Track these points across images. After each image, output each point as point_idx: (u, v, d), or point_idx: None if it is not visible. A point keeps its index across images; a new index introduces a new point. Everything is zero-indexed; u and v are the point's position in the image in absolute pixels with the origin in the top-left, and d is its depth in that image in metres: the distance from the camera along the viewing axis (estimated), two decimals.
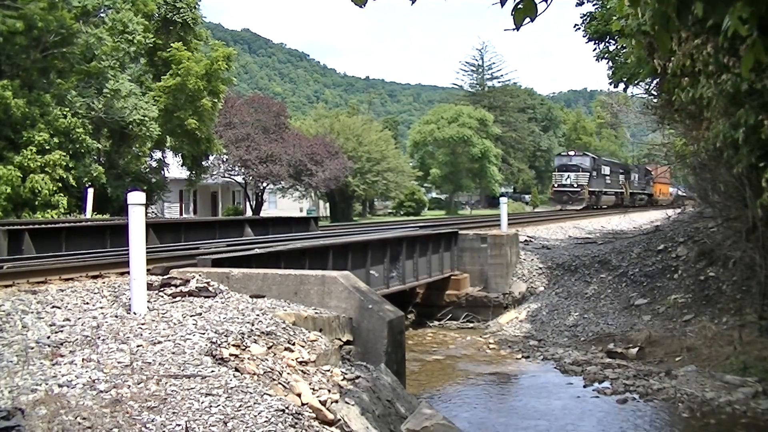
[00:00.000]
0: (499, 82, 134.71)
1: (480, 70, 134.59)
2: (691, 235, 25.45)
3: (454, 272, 25.04)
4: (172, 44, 42.76)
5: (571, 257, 27.33)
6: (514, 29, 5.64)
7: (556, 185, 71.74)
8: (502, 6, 5.45)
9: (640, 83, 28.41)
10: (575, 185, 69.21)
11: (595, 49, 32.34)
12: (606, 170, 76.50)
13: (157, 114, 39.14)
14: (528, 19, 5.47)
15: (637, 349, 18.86)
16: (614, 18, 20.57)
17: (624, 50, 26.62)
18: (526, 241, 30.28)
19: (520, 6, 5.41)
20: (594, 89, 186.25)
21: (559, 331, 21.64)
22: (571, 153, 77.61)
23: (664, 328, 19.94)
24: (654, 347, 19.01)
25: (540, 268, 26.67)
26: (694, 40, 12.13)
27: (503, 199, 29.93)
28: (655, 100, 27.80)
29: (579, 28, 33.28)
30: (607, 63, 31.82)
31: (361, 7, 6.14)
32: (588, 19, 32.10)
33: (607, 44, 31.60)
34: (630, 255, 25.96)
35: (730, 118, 13.12)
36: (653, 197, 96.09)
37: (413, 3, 5.91)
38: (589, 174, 69.77)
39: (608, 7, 27.53)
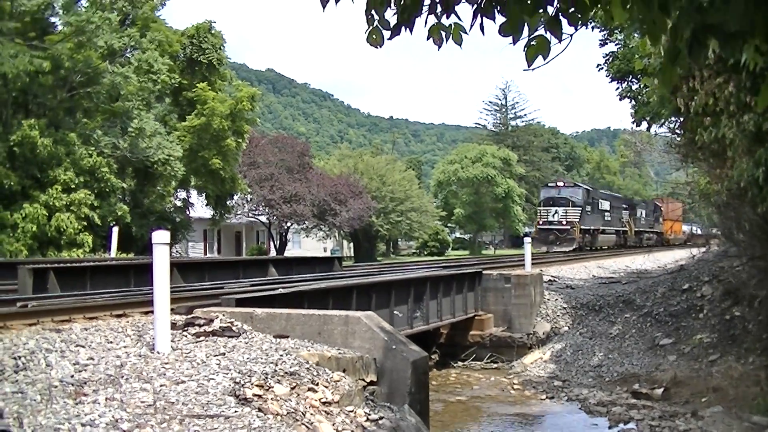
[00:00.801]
0: (522, 121, 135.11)
1: (503, 109, 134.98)
2: (716, 274, 25.27)
3: (478, 312, 24.92)
4: (197, 84, 43.12)
5: (595, 297, 27.20)
6: (529, 69, 5.65)
7: (540, 222, 62.63)
8: (514, 44, 5.45)
9: (664, 122, 28.39)
10: (564, 222, 60.35)
11: (618, 88, 32.38)
12: (604, 205, 68.08)
13: (182, 153, 39.42)
14: (540, 57, 5.46)
15: (662, 389, 18.68)
16: (636, 57, 20.61)
17: (647, 89, 26.63)
18: (550, 280, 30.15)
19: (532, 43, 5.40)
20: (617, 128, 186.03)
21: (584, 371, 21.48)
22: (560, 183, 67.35)
23: (689, 368, 19.75)
24: (680, 387, 18.82)
25: (564, 307, 26.54)
26: (715, 78, 12.13)
27: (527, 239, 29.85)
28: (678, 139, 27.75)
29: (602, 68, 33.36)
30: (630, 102, 31.85)
31: (377, 48, 6.16)
32: (611, 58, 32.16)
33: (629, 83, 31.63)
34: (654, 294, 25.81)
35: (752, 157, 13.07)
36: (663, 236, 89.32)
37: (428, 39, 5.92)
38: (581, 209, 61.14)
39: (630, 46, 27.58)
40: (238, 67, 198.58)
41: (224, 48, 47.08)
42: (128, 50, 39.04)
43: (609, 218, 68.22)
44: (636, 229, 76.60)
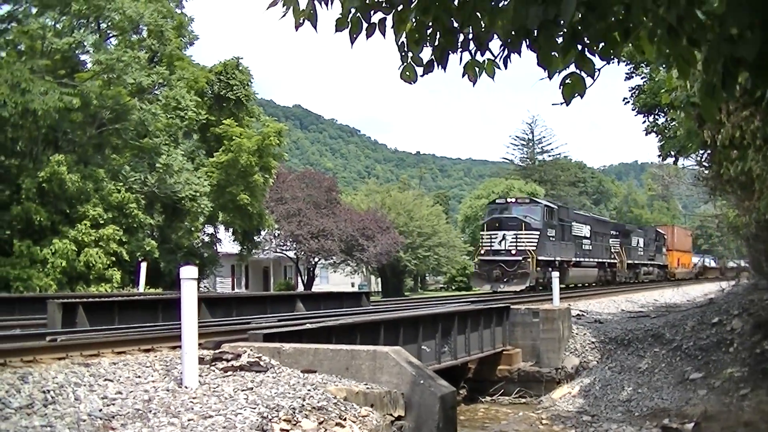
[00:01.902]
0: (549, 155, 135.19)
1: (530, 143, 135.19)
2: (745, 307, 25.08)
3: (506, 347, 24.82)
4: (224, 120, 43.39)
5: (623, 331, 27.03)
6: (562, 104, 5.66)
7: (482, 251, 45.71)
8: (550, 79, 5.47)
9: (691, 155, 28.34)
10: (513, 251, 43.69)
11: (644, 121, 32.40)
12: (580, 230, 53.46)
13: (209, 189, 39.62)
14: (578, 95, 5.48)
15: (693, 424, 18.50)
16: (663, 91, 20.59)
17: (673, 123, 26.61)
18: (578, 315, 30.03)
19: (568, 81, 5.42)
20: (645, 161, 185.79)
21: (613, 406, 21.31)
22: (511, 200, 50.07)
23: (720, 402, 19.57)
24: (710, 422, 18.65)
25: (592, 342, 26.38)
26: (742, 111, 12.09)
27: (555, 274, 29.75)
28: (706, 172, 27.69)
29: (628, 102, 33.38)
30: (657, 136, 31.85)
31: (411, 83, 6.21)
32: (637, 92, 32.19)
33: (656, 117, 31.63)
34: (684, 328, 25.62)
35: None
36: (668, 269, 77.94)
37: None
38: (539, 233, 44.87)
39: (657, 80, 27.57)
40: (266, 103, 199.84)
41: (251, 84, 47.41)
42: (156, 87, 39.37)
43: (588, 247, 54.39)
44: (630, 261, 63.78)
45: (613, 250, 60.08)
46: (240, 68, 46.14)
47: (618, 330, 27.41)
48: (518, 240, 43.99)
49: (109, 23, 37.94)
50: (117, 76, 34.02)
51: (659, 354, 24.24)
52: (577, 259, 51.56)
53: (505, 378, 24.57)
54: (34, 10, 37.55)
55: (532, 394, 24.04)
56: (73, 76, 35.20)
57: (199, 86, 43.20)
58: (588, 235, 54.63)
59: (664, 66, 15.62)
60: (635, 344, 25.60)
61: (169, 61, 40.32)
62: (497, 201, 51.51)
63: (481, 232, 48.01)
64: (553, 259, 46.37)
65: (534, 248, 43.80)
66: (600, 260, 56.74)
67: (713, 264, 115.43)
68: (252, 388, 9.91)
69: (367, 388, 11.08)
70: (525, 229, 44.26)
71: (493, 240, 44.93)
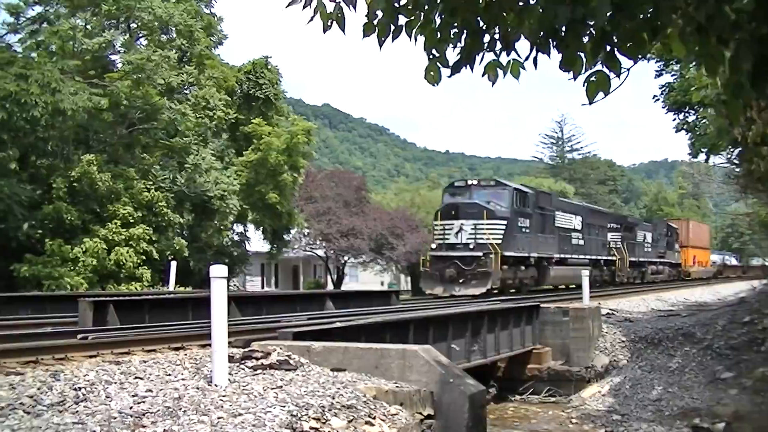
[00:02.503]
0: (579, 154, 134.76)
1: (560, 142, 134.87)
2: None
3: (536, 346, 24.74)
4: (253, 119, 43.49)
5: (654, 330, 26.93)
6: (585, 105, 5.65)
7: (434, 247, 36.28)
8: (575, 79, 5.46)
9: (722, 153, 28.18)
10: (472, 245, 34.62)
11: (674, 119, 32.25)
12: (567, 220, 44.86)
13: (239, 188, 39.72)
14: (601, 93, 5.46)
15: (723, 424, 18.40)
16: (693, 88, 20.48)
17: (704, 120, 26.46)
18: (608, 313, 29.91)
19: (592, 79, 5.40)
20: (675, 159, 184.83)
21: (643, 405, 21.22)
22: (472, 182, 39.29)
23: (751, 402, 19.47)
24: (741, 422, 18.55)
25: (622, 341, 26.29)
26: None
27: (585, 272, 29.59)
28: (737, 170, 27.54)
29: (658, 99, 33.22)
30: (687, 134, 31.68)
31: (434, 85, 6.21)
32: (667, 90, 32.03)
33: (686, 115, 31.47)
34: (714, 327, 25.51)
35: None
36: (681, 268, 71.95)
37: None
38: (506, 223, 35.70)
39: (687, 77, 27.43)
40: (295, 102, 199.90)
41: (280, 83, 47.50)
42: (186, 87, 39.54)
43: (578, 242, 46.22)
44: (633, 259, 55.45)
45: (612, 246, 52.19)
46: (269, 67, 46.21)
47: (648, 329, 27.31)
48: (478, 231, 34.75)
49: (139, 23, 38.14)
50: (147, 76, 34.15)
51: (690, 353, 24.14)
52: (562, 256, 42.60)
53: (535, 377, 24.48)
54: (64, 11, 37.85)
55: (561, 393, 23.92)
56: (103, 76, 35.40)
57: (229, 85, 43.33)
58: (578, 228, 46.31)
59: (694, 63, 15.55)
60: (665, 343, 25.50)
61: (198, 60, 40.43)
62: (456, 183, 41.11)
63: (434, 222, 38.54)
64: (526, 255, 37.66)
65: (499, 242, 34.66)
66: (594, 257, 47.96)
67: (734, 262, 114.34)
68: (281, 387, 9.93)
69: (397, 386, 11.08)
70: (488, 218, 34.89)
71: (447, 232, 35.62)
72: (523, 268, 37.67)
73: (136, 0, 35.80)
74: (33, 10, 38.88)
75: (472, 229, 34.74)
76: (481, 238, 34.48)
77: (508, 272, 35.94)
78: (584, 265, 41.13)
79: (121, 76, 34.99)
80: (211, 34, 43.36)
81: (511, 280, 36.69)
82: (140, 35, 39.43)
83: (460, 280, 33.77)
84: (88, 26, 37.35)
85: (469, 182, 39.26)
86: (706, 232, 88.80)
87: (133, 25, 38.70)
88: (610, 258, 51.30)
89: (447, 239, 35.43)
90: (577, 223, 46.27)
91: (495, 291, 34.49)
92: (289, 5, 5.99)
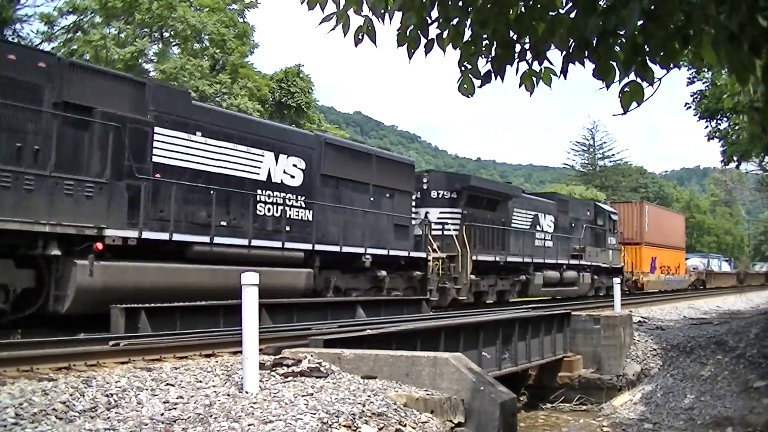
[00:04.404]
0: (610, 161, 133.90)
1: (591, 149, 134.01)
2: None
3: (567, 354, 24.66)
4: None
5: (686, 338, 26.77)
6: (618, 115, 5.66)
7: None
8: (607, 89, 5.45)
9: (754, 160, 28.05)
10: None
11: (706, 126, 32.11)
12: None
13: None
14: (635, 103, 5.46)
15: None
16: (725, 95, 20.38)
17: (737, 127, 26.32)
18: (639, 321, 29.77)
19: (626, 89, 5.40)
20: (707, 166, 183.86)
21: (675, 414, 21.09)
22: None
23: None
24: None
25: (654, 349, 26.15)
26: None
27: (616, 280, 29.51)
28: None
29: (690, 107, 33.09)
30: (719, 142, 31.53)
31: (468, 97, 6.23)
32: (699, 97, 31.91)
33: (718, 122, 31.33)
34: (747, 336, 25.32)
35: None
36: (623, 276, 45.79)
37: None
38: None
39: (719, 84, 27.30)
40: (327, 110, 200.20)
41: (313, 91, 47.70)
42: (218, 95, 39.75)
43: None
44: (487, 258, 33.50)
45: (442, 232, 32.22)
46: (301, 75, 46.44)
47: (680, 337, 27.15)
48: None
49: (172, 32, 38.41)
50: (180, 84, 34.36)
51: (722, 361, 23.97)
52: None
53: (566, 385, 24.39)
54: (99, 20, 38.19)
55: (592, 401, 23.83)
56: None
57: (262, 94, 43.53)
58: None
59: (726, 70, 15.52)
60: (697, 351, 25.34)
61: (231, 69, 40.68)
62: None
63: None
64: None
65: None
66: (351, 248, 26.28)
67: (726, 268, 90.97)
68: (312, 394, 9.96)
69: (427, 394, 11.08)
70: None
71: None
72: None
73: (170, 10, 36.02)
74: (66, 19, 39.27)
75: None
76: None
77: None
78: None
79: None
80: (244, 43, 43.62)
81: None
82: (173, 44, 39.72)
83: None
84: (122, 35, 37.66)
85: None
86: (678, 225, 66.58)
87: (166, 35, 38.98)
88: (415, 255, 29.25)
89: None
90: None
91: None
92: (321, 23, 6.04)
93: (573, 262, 41.58)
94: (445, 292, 31.09)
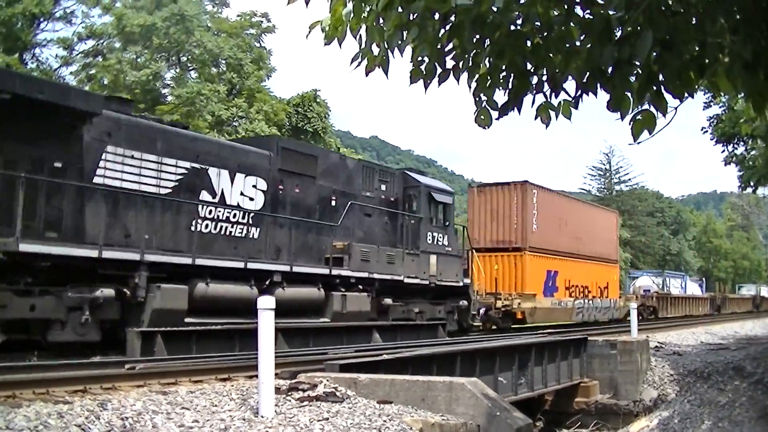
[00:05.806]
0: (626, 185, 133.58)
1: (607, 174, 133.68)
2: None
3: (583, 379, 24.56)
4: None
5: (703, 364, 26.65)
6: (632, 144, 5.68)
7: None
8: (622, 119, 5.45)
9: None
10: None
11: (723, 151, 32.07)
12: None
13: None
14: (647, 133, 5.45)
15: None
16: (742, 120, 20.39)
17: (753, 152, 26.31)
18: (656, 347, 29.66)
19: (639, 117, 5.40)
20: (724, 191, 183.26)
21: None
22: None
23: None
24: None
25: (671, 374, 26.03)
26: None
27: (633, 305, 29.45)
28: None
29: (706, 131, 33.07)
30: (736, 166, 31.49)
31: (485, 128, 6.26)
32: (715, 121, 31.90)
33: (735, 146, 31.30)
34: (765, 361, 25.21)
35: None
36: (488, 304, 33.37)
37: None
38: None
39: (735, 109, 27.31)
40: (343, 134, 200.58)
41: (329, 116, 47.80)
42: (235, 119, 39.92)
43: None
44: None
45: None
46: (317, 100, 46.54)
47: (697, 362, 27.03)
48: None
49: (189, 57, 38.64)
50: (197, 109, 34.54)
51: (740, 387, 23.84)
52: None
53: (582, 410, 24.26)
54: (117, 45, 38.46)
55: (609, 426, 23.70)
56: (153, 108, 35.82)
57: (278, 119, 43.67)
58: None
59: (742, 96, 15.54)
60: (715, 377, 25.21)
61: (248, 93, 40.86)
62: None
63: None
64: None
65: None
66: None
67: (696, 291, 74.68)
68: (328, 419, 9.96)
69: (443, 419, 11.08)
70: None
71: None
72: None
73: (188, 34, 36.24)
74: (85, 44, 39.55)
75: None
76: None
77: None
78: None
79: (170, 109, 35.42)
80: (261, 67, 43.81)
81: None
82: (191, 68, 39.94)
83: None
84: (140, 59, 37.90)
85: None
86: (608, 227, 48.35)
87: (184, 59, 39.19)
88: None
89: None
90: None
91: None
92: (326, 44, 6.09)
93: (317, 270, 24.20)
94: None
